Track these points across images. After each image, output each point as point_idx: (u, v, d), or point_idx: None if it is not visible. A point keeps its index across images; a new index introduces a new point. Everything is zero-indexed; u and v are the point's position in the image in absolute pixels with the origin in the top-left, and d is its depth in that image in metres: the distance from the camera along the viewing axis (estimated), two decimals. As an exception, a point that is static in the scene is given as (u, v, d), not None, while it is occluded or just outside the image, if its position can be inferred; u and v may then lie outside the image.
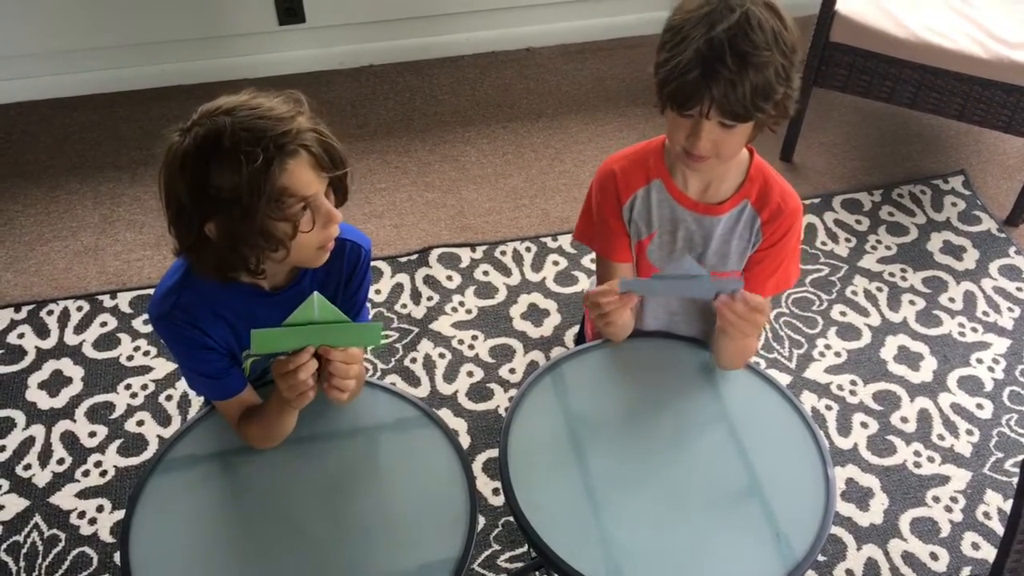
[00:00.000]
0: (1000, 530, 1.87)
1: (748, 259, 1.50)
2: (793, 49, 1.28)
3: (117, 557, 1.78)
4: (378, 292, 2.25)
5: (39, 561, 1.78)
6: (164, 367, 2.10)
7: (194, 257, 1.23)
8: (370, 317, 1.52)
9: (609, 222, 1.51)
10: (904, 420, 2.05)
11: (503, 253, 2.37)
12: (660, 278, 1.30)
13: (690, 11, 1.29)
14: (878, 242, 2.42)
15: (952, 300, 2.29)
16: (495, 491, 1.90)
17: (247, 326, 1.33)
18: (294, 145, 1.15)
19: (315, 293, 1.17)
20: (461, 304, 2.25)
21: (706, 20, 1.26)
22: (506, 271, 2.33)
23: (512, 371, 2.11)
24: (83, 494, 1.89)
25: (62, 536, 1.82)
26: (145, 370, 2.09)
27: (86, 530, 1.83)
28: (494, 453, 1.96)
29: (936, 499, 1.92)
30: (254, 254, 1.21)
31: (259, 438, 1.36)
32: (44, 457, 1.94)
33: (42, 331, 2.17)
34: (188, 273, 1.30)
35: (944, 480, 1.95)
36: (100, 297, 2.24)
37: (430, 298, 2.25)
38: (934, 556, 1.84)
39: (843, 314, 2.25)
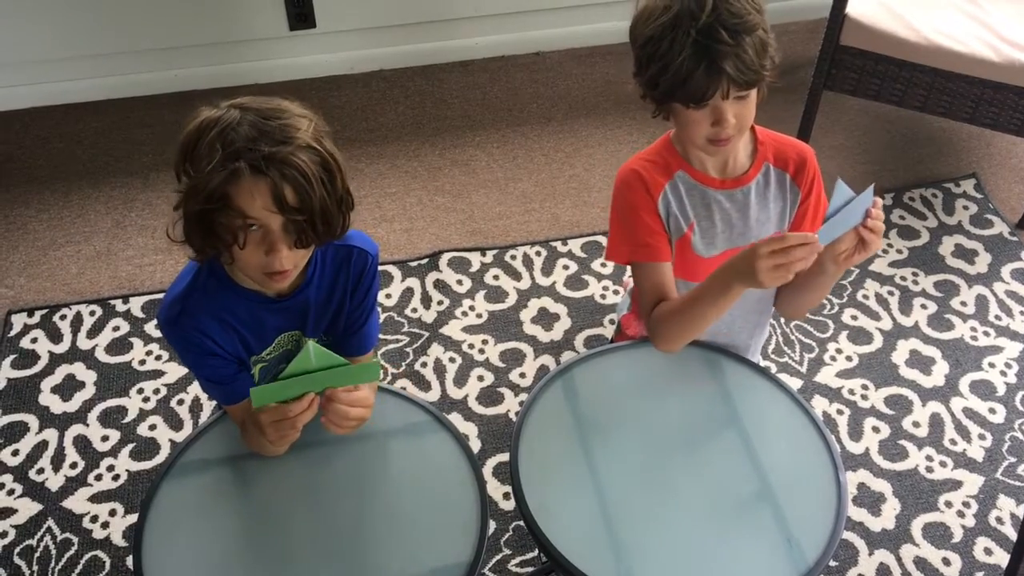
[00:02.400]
0: (1013, 535, 1.86)
1: (795, 215, 1.52)
2: (760, 4, 1.34)
3: (129, 561, 1.79)
4: (388, 296, 2.26)
5: (52, 565, 1.79)
6: (176, 371, 2.11)
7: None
8: (380, 323, 1.52)
9: (647, 220, 1.48)
10: (916, 425, 2.04)
11: (513, 257, 2.37)
12: (833, 216, 1.27)
13: (657, 18, 1.33)
14: (889, 245, 2.41)
15: (964, 304, 2.28)
16: (506, 495, 1.90)
17: (253, 332, 1.35)
18: (259, 165, 1.13)
19: (309, 342, 1.16)
20: (471, 308, 2.25)
21: (685, 16, 1.30)
22: (516, 275, 2.33)
23: (522, 375, 2.11)
24: (96, 498, 1.90)
25: (75, 540, 1.83)
26: (157, 374, 2.10)
27: (99, 534, 1.84)
28: (504, 457, 1.96)
29: (948, 504, 1.91)
30: (203, 244, 1.21)
31: (260, 451, 1.36)
32: (57, 461, 1.95)
33: (55, 336, 2.18)
34: (196, 279, 1.30)
35: (956, 485, 1.94)
36: (112, 302, 2.25)
37: (440, 302, 2.26)
38: (946, 561, 1.83)
39: (854, 318, 2.24)
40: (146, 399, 2.06)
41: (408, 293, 2.27)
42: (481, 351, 2.16)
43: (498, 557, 1.82)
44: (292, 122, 1.18)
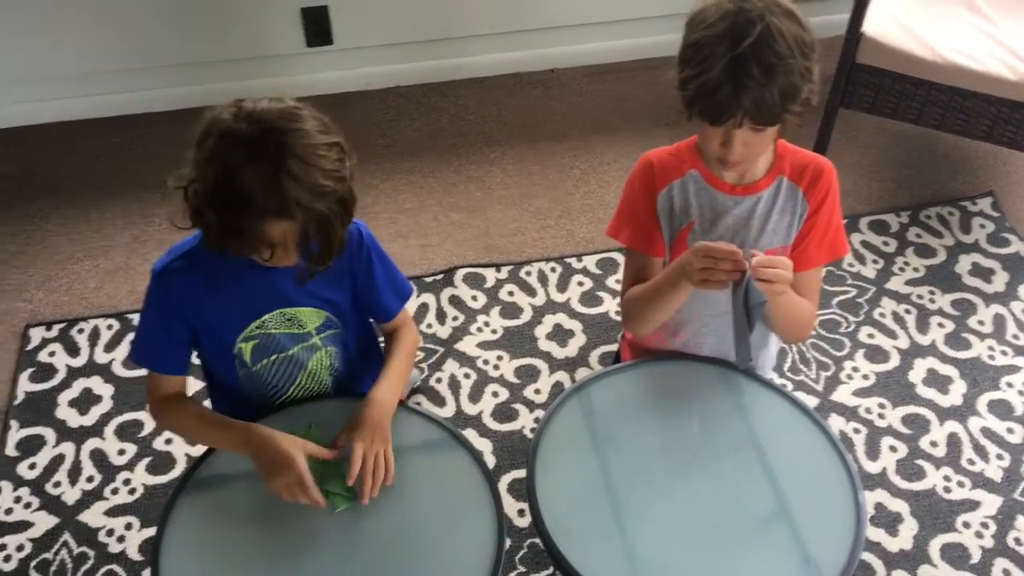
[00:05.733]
0: (1032, 557, 1.85)
1: (800, 228, 1.51)
2: (812, 47, 1.33)
3: (145, 575, 1.80)
4: (404, 312, 2.26)
5: (68, 578, 1.80)
6: (193, 385, 2.10)
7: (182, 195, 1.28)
8: (403, 276, 1.55)
9: (643, 212, 1.52)
10: (934, 444, 2.03)
11: (528, 273, 2.37)
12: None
13: (709, 26, 1.32)
14: (906, 264, 2.40)
15: (981, 323, 2.26)
16: (520, 512, 1.90)
17: (243, 298, 1.39)
18: (294, 212, 1.20)
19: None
20: (486, 324, 2.25)
21: (728, 36, 1.29)
22: (531, 291, 2.33)
23: (537, 392, 2.11)
24: (112, 512, 1.90)
25: (91, 554, 1.84)
26: (173, 388, 2.11)
27: (115, 548, 1.84)
28: (519, 474, 1.95)
29: (967, 525, 1.90)
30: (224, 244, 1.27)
31: (182, 432, 1.51)
32: (74, 475, 1.96)
33: (72, 349, 2.19)
34: (198, 244, 1.36)
35: (975, 505, 1.93)
36: (130, 316, 2.26)
37: (455, 318, 2.26)
38: (965, 583, 1.82)
39: (871, 336, 2.23)
40: (149, 404, 2.06)
41: (423, 309, 2.28)
42: (496, 367, 2.16)
43: (513, 575, 1.81)
44: (325, 163, 1.22)
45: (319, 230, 1.23)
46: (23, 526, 1.87)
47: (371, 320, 1.58)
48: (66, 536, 1.86)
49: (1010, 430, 2.05)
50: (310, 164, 1.20)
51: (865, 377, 2.15)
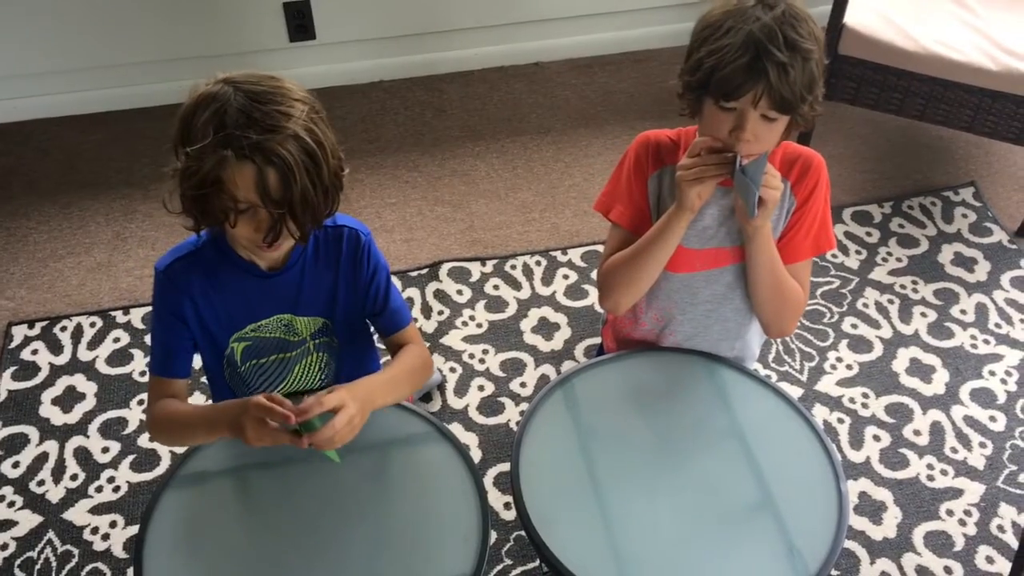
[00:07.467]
0: (1014, 543, 1.86)
1: (786, 225, 1.50)
2: (822, 57, 1.33)
3: (130, 572, 1.79)
4: (389, 307, 2.26)
5: (53, 577, 1.80)
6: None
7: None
8: (404, 299, 1.52)
9: (634, 189, 1.52)
10: (917, 433, 2.04)
11: (513, 267, 2.37)
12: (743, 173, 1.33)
13: (726, 10, 1.32)
14: (889, 254, 2.41)
15: (964, 312, 2.28)
16: (507, 505, 1.90)
17: (241, 303, 1.38)
18: (245, 153, 1.15)
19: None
20: (471, 318, 2.25)
21: (750, 11, 1.30)
22: (516, 285, 2.33)
23: (523, 385, 2.11)
24: (96, 510, 1.89)
25: (75, 552, 1.83)
26: (158, 385, 2.10)
27: (99, 546, 1.84)
28: (505, 467, 1.96)
29: (950, 512, 1.91)
30: (199, 219, 1.24)
31: (165, 433, 1.40)
32: (58, 473, 1.95)
33: (55, 347, 2.18)
34: (198, 246, 1.35)
35: (958, 493, 1.94)
36: (113, 313, 2.25)
37: (440, 312, 2.26)
38: (948, 570, 1.83)
39: (854, 326, 2.24)
40: (147, 410, 2.05)
41: (408, 303, 2.27)
42: (481, 361, 2.16)
43: (499, 567, 1.81)
44: (284, 107, 1.19)
45: (280, 178, 1.16)
46: (7, 525, 1.87)
47: (371, 329, 1.55)
48: (50, 534, 1.85)
49: (992, 418, 2.07)
50: (266, 104, 1.17)
51: (849, 367, 2.16)
